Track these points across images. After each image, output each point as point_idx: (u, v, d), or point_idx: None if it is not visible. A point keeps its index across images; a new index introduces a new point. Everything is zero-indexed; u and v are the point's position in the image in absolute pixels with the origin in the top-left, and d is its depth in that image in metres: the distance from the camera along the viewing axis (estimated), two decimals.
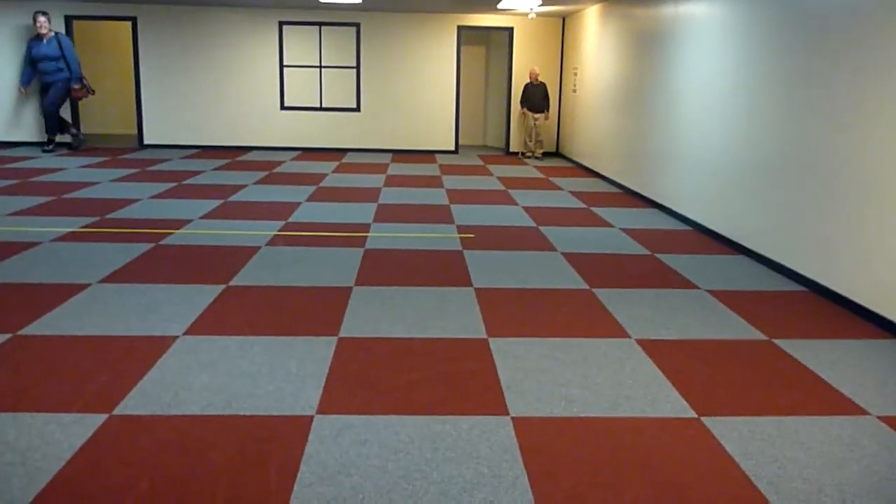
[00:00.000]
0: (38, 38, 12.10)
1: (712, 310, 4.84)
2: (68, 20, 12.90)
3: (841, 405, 3.47)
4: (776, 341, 4.28)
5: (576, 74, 12.70)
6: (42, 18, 11.96)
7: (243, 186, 9.29)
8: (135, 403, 3.25)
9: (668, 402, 3.44)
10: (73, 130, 12.62)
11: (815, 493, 2.70)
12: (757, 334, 4.40)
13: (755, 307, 4.91)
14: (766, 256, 5.95)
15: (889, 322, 4.44)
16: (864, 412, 3.39)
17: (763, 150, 6.01)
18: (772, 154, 5.87)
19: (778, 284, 5.47)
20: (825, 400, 3.52)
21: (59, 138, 12.75)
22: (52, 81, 12.23)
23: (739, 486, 2.73)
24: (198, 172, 10.43)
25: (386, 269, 5.59)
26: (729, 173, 6.64)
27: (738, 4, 6.57)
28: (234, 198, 8.45)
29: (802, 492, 2.70)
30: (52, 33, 12.16)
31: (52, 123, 12.35)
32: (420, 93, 13.65)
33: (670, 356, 4.00)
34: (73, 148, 12.60)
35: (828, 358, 4.04)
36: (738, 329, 4.48)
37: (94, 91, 12.83)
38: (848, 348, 4.21)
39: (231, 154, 12.76)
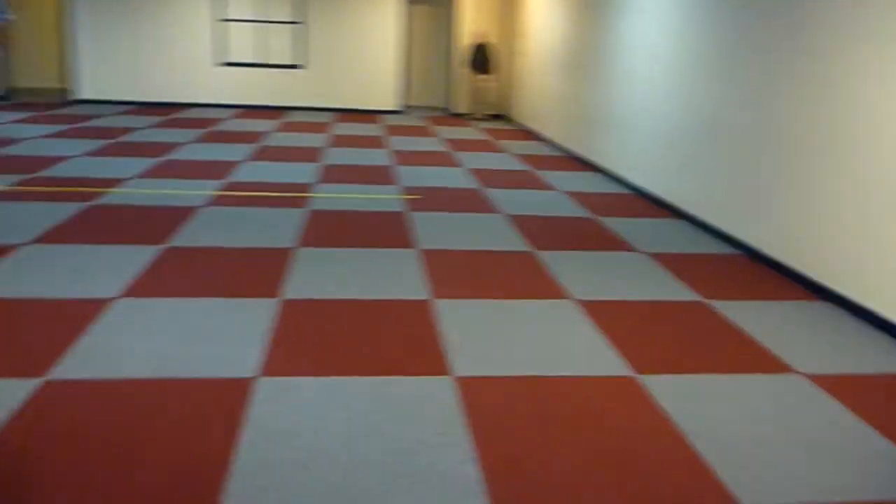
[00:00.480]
0: None
1: (650, 272, 4.94)
2: None
3: (769, 363, 3.60)
4: (710, 302, 4.41)
5: (522, 37, 12.66)
6: None
7: (181, 144, 9.06)
8: (69, 368, 3.18)
9: (607, 362, 3.52)
10: None
11: (745, 445, 2.80)
12: (692, 295, 4.51)
13: (691, 269, 5.03)
14: (703, 220, 6.09)
15: (816, 284, 4.60)
16: (791, 370, 3.53)
17: (702, 116, 6.11)
18: (711, 120, 5.97)
19: (714, 247, 5.61)
20: (755, 358, 3.65)
21: None
22: None
23: (673, 441, 2.82)
24: (133, 129, 10.12)
25: (330, 230, 5.54)
26: (669, 138, 6.74)
27: None
28: (171, 156, 8.24)
29: (731, 446, 2.81)
30: None
31: None
32: (366, 52, 13.44)
33: (609, 317, 4.09)
34: None
35: (758, 318, 4.18)
36: (674, 290, 4.59)
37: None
38: (778, 309, 4.36)
39: (168, 111, 12.41)
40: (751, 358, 3.66)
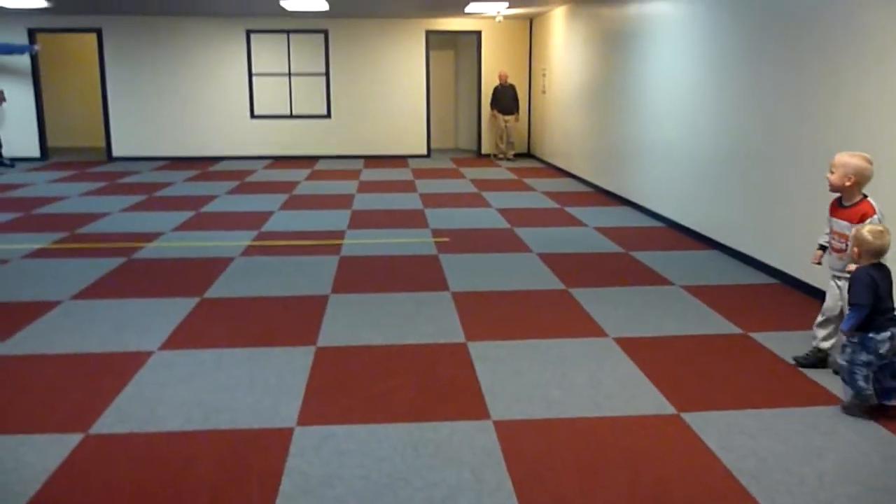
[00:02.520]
0: None
1: (688, 305, 4.87)
2: (31, 33, 12.72)
3: (817, 395, 3.51)
4: (751, 334, 4.32)
5: (544, 76, 12.76)
6: None
7: (215, 197, 9.21)
8: (111, 421, 3.20)
9: (648, 400, 3.46)
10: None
11: (797, 483, 2.72)
12: (732, 328, 4.44)
13: (729, 301, 4.95)
14: (737, 250, 6.01)
15: None
16: (840, 402, 3.43)
17: (730, 146, 6.08)
18: (739, 149, 5.94)
19: (750, 278, 5.52)
20: (802, 391, 3.56)
21: None
22: None
23: (721, 481, 2.75)
24: (168, 184, 10.33)
25: (362, 275, 5.57)
26: (698, 169, 6.71)
27: (702, 2, 6.63)
28: (205, 209, 8.38)
29: (783, 483, 2.73)
30: None
31: None
32: (390, 98, 13.63)
33: (648, 353, 4.03)
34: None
35: (802, 349, 4.08)
36: (713, 324, 4.52)
37: (5, 99, 12.54)
38: None
39: (202, 164, 12.66)
40: (798, 390, 3.57)
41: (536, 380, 3.67)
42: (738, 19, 5.96)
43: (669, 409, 3.36)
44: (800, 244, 5.13)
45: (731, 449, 2.99)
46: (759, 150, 5.65)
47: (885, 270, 3.28)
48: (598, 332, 4.37)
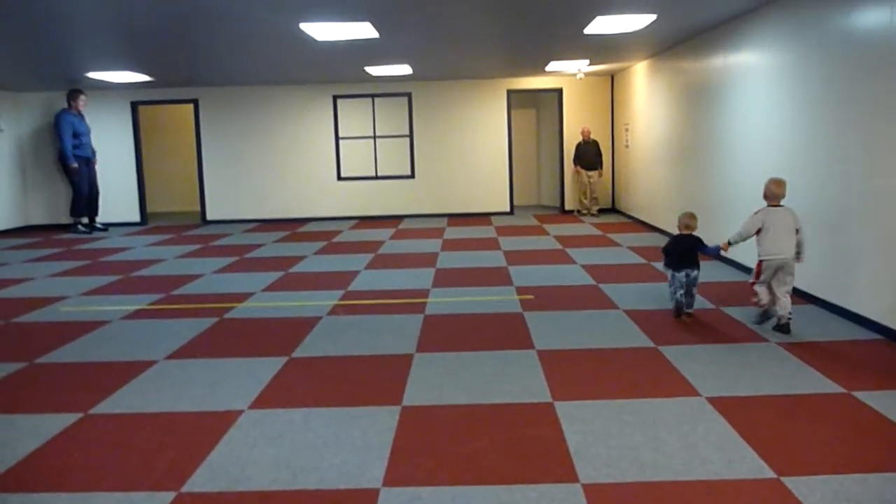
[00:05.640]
0: (72, 112, 12.53)
1: (784, 363, 4.67)
2: (134, 106, 13.52)
3: None
4: (854, 393, 4.10)
5: (627, 130, 12.70)
6: (84, 97, 12.61)
7: (303, 257, 9.45)
8: (203, 480, 3.27)
9: (745, 463, 3.30)
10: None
11: None
12: (834, 387, 4.22)
13: (829, 358, 4.72)
14: (835, 304, 5.75)
15: None
16: None
17: (824, 197, 5.87)
18: (832, 200, 5.73)
19: (851, 333, 5.26)
20: None
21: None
22: (87, 157, 12.68)
23: None
24: (259, 245, 10.67)
25: (447, 334, 5.57)
26: None
27: (789, 52, 6.51)
28: (294, 269, 8.59)
29: None
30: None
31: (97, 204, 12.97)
32: (473, 156, 13.81)
33: (744, 414, 3.86)
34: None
35: None
36: (813, 382, 4.31)
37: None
38: None
39: (291, 226, 13.04)
40: None
41: (626, 441, 3.56)
42: (828, 69, 5.81)
43: (769, 473, 3.19)
44: None
45: None
46: (855, 200, 5.44)
47: (688, 239, 5.77)
48: (691, 391, 4.23)
